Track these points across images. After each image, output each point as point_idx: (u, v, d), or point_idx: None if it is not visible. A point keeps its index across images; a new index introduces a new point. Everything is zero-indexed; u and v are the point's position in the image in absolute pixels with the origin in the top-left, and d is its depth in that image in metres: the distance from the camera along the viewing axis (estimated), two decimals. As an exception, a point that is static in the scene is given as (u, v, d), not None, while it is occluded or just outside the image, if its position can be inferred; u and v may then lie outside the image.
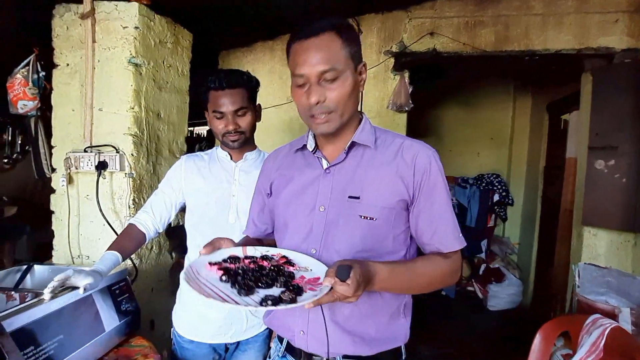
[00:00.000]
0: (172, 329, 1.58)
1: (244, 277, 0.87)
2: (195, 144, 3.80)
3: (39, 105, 1.96)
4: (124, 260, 1.41)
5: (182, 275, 0.86)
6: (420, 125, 4.78)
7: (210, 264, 0.93)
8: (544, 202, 4.20)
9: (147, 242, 1.54)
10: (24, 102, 1.91)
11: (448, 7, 2.79)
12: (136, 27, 1.84)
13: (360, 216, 0.98)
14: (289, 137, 3.04)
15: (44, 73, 1.96)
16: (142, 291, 1.93)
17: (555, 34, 2.62)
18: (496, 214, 4.68)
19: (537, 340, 1.72)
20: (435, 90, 4.57)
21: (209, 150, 1.61)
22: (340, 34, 0.93)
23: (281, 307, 0.76)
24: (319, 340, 1.00)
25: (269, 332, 1.60)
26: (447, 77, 3.59)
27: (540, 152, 4.24)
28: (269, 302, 0.76)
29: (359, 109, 1.02)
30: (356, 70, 0.97)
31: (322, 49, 0.91)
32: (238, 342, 1.54)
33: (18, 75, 1.89)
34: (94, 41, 1.84)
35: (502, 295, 4.22)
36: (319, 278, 0.87)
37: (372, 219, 0.97)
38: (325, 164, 1.04)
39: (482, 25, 2.74)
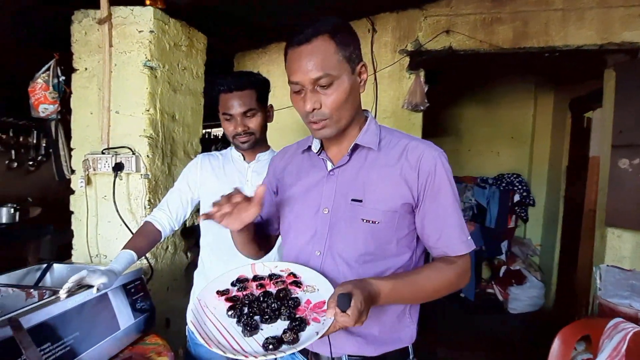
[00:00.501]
0: (186, 327, 1.61)
1: (249, 308, 0.89)
2: (211, 146, 3.85)
3: (59, 108, 2.02)
4: (139, 258, 1.44)
5: (188, 315, 0.89)
6: (437, 125, 4.72)
7: (218, 292, 0.96)
8: (566, 202, 4.08)
9: (162, 239, 1.56)
10: (45, 105, 1.98)
11: (464, 4, 2.75)
12: (151, 31, 1.87)
13: (363, 220, 0.97)
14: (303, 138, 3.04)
15: (63, 77, 2.02)
16: (158, 290, 1.97)
17: (576, 29, 2.54)
18: (517, 215, 4.57)
19: (556, 344, 1.67)
20: (453, 89, 4.51)
21: (224, 150, 1.63)
22: (334, 37, 0.91)
23: (280, 354, 0.76)
24: (323, 342, 0.99)
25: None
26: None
27: (563, 151, 4.13)
28: (271, 347, 0.77)
29: (374, 109, 1.02)
30: (354, 72, 0.95)
31: (314, 56, 0.90)
32: None
33: (39, 80, 1.96)
34: (110, 45, 1.89)
35: (523, 298, 4.13)
36: (324, 302, 0.87)
37: (375, 222, 0.96)
38: (329, 166, 1.04)
39: (500, 22, 2.68)
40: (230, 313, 0.89)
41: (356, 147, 1.01)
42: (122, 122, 1.92)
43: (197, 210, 1.65)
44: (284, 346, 0.78)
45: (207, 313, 0.89)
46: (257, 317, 0.87)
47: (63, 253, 3.68)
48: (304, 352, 1.09)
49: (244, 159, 1.55)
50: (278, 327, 0.85)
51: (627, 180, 2.43)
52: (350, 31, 0.97)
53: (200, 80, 2.29)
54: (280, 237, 1.24)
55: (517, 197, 4.53)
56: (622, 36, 2.48)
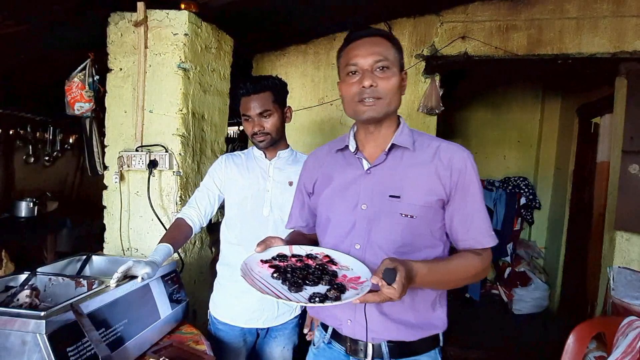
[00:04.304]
0: (208, 311, 1.73)
1: (292, 274, 0.95)
2: (228, 144, 3.91)
3: (94, 107, 2.09)
4: (175, 251, 1.52)
5: (235, 265, 0.95)
6: (446, 127, 4.79)
7: (262, 261, 1.03)
8: (572, 206, 4.15)
9: (192, 235, 1.65)
10: (80, 104, 2.04)
11: (480, 11, 2.82)
12: (185, 34, 1.94)
13: (401, 214, 1.04)
14: (319, 138, 3.12)
15: (98, 77, 2.09)
16: (186, 283, 2.03)
17: (590, 37, 2.61)
18: (523, 218, 4.64)
19: (571, 340, 1.74)
20: (463, 93, 4.58)
21: (246, 150, 1.73)
22: (390, 40, 1.07)
23: (327, 304, 0.84)
24: (363, 327, 1.08)
25: (298, 321, 1.71)
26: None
27: (570, 155, 4.19)
28: (317, 300, 0.85)
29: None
30: (400, 73, 1.07)
31: (376, 45, 1.04)
32: (268, 329, 1.66)
33: (75, 79, 2.03)
34: (146, 47, 1.96)
35: (528, 299, 4.19)
36: (359, 277, 0.95)
37: (412, 217, 1.04)
38: (366, 165, 1.11)
39: (515, 29, 2.75)
40: (275, 275, 0.96)
41: (392, 147, 1.09)
42: (156, 121, 1.99)
43: (221, 207, 1.73)
44: (328, 301, 0.85)
45: (253, 275, 0.96)
46: (299, 281, 0.94)
47: (79, 245, 3.77)
48: (342, 339, 1.15)
49: (266, 157, 1.65)
50: (320, 289, 0.92)
51: (636, 185, 2.50)
52: (399, 43, 1.10)
53: (227, 82, 2.37)
54: None
55: (523, 200, 4.60)
56: (635, 45, 2.54)
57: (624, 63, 2.67)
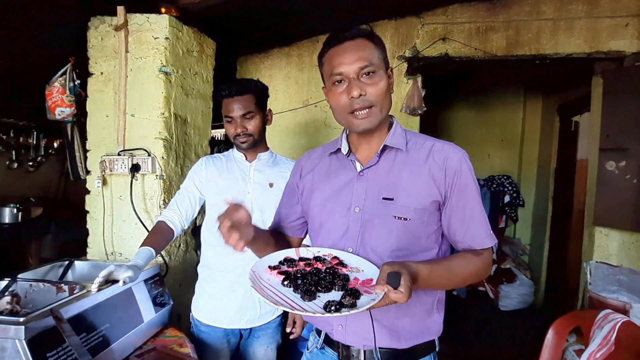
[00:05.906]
0: (190, 314, 1.73)
1: (303, 281, 0.92)
2: (214, 147, 3.91)
3: (75, 111, 2.08)
4: (156, 255, 1.52)
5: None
6: (431, 127, 4.84)
7: (269, 267, 0.99)
8: (555, 203, 4.23)
9: (174, 238, 1.65)
10: (61, 108, 2.03)
11: (460, 12, 2.87)
12: (166, 38, 1.95)
13: (395, 217, 1.02)
14: (304, 140, 3.14)
15: (79, 81, 2.08)
16: (171, 286, 2.03)
17: (566, 38, 2.68)
18: (507, 215, 4.71)
19: (550, 335, 1.78)
20: (446, 92, 4.64)
21: (226, 152, 1.74)
22: (372, 40, 1.03)
23: (344, 313, 0.81)
24: (356, 333, 1.06)
25: (281, 320, 1.72)
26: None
27: (551, 153, 4.28)
28: (333, 309, 0.81)
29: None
30: (386, 73, 1.04)
31: (359, 49, 0.99)
32: (251, 330, 1.68)
33: (56, 84, 2.01)
34: (127, 51, 1.96)
35: (514, 296, 4.25)
36: (371, 280, 0.92)
37: (406, 219, 1.01)
38: (359, 167, 1.09)
39: (494, 30, 2.81)
40: (285, 283, 0.92)
41: (385, 148, 1.06)
42: (138, 125, 1.99)
43: (204, 210, 1.74)
44: (344, 309, 0.81)
45: (263, 283, 0.92)
46: (312, 288, 0.91)
47: (64, 251, 3.73)
48: (334, 345, 1.13)
49: (246, 159, 1.67)
50: (334, 296, 0.88)
51: (613, 182, 2.56)
52: (382, 40, 1.07)
53: (210, 85, 2.37)
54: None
55: (507, 198, 4.67)
56: (609, 45, 2.62)
57: (599, 63, 2.74)
